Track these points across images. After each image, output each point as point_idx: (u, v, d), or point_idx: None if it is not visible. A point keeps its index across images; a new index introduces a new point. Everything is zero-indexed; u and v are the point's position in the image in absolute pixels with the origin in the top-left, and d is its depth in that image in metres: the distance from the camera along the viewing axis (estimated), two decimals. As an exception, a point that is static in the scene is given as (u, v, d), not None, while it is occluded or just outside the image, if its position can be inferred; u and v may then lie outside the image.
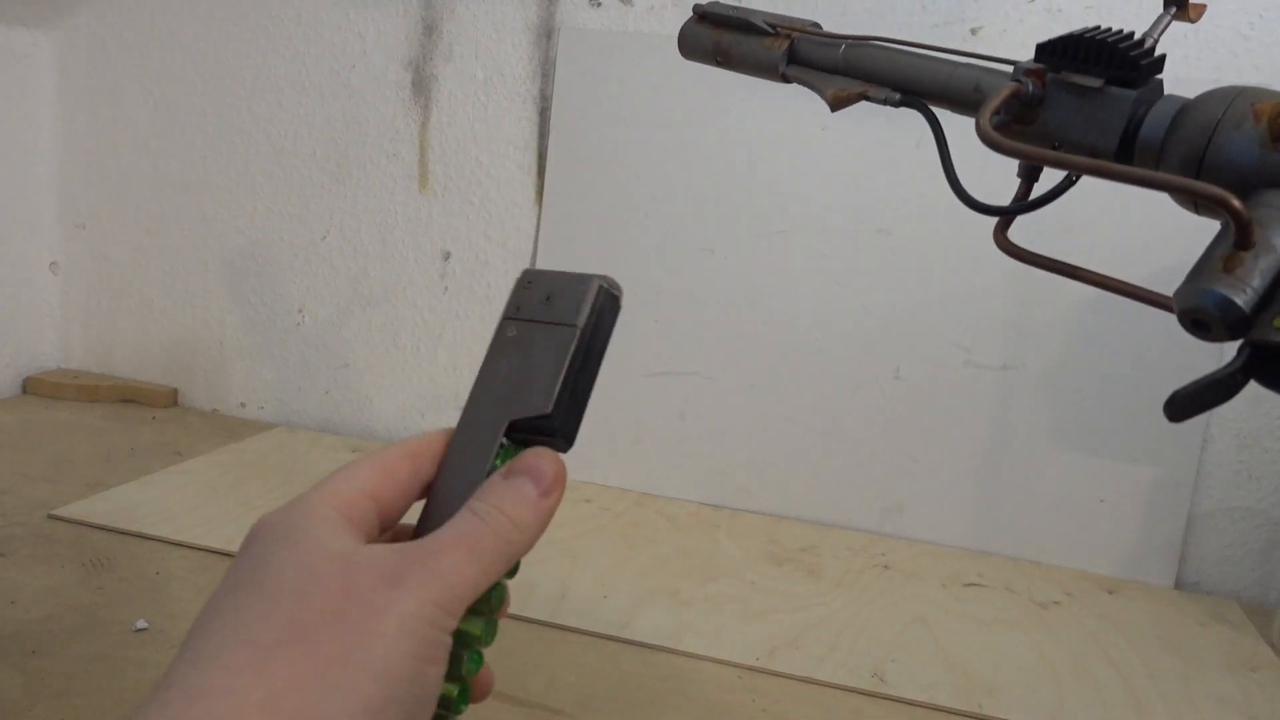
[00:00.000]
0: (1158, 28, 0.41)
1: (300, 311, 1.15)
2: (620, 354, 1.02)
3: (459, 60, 1.06)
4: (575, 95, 1.02)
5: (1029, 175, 0.42)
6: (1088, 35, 0.39)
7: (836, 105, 0.45)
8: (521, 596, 0.75)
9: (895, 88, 0.45)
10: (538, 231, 1.05)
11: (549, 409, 0.33)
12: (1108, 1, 0.89)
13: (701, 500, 1.01)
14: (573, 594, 0.77)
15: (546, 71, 1.04)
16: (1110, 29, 0.39)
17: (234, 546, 0.82)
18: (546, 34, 1.03)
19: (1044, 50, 0.40)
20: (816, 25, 0.49)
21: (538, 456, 0.32)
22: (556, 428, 0.34)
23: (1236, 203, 0.30)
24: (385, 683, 0.26)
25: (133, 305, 1.20)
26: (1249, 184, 0.34)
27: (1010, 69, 0.42)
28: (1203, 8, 0.42)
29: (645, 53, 1.00)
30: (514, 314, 0.36)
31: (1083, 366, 0.91)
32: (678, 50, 0.53)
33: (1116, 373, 0.91)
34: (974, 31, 0.92)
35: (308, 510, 0.30)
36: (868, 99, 0.45)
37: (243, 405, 1.18)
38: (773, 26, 0.49)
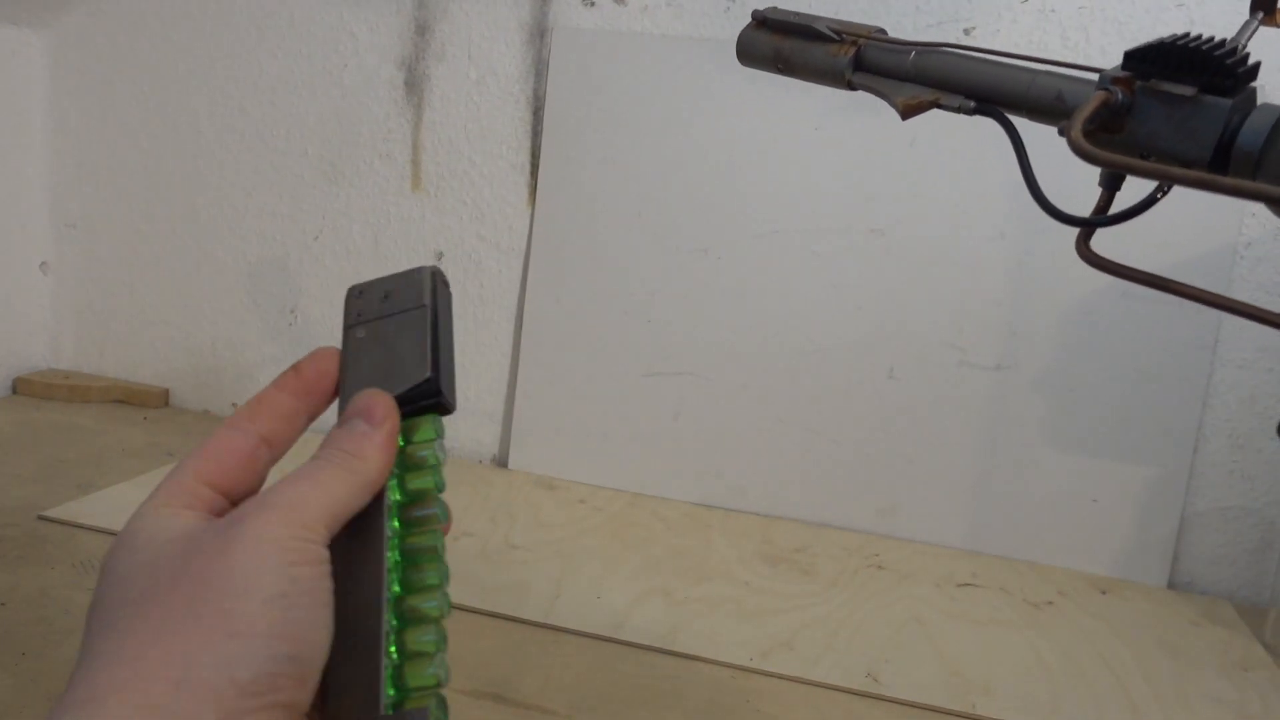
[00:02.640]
0: (1245, 33, 0.39)
1: (293, 312, 1.14)
2: (614, 354, 1.02)
3: (452, 60, 1.06)
4: (568, 95, 1.02)
5: (1111, 185, 0.41)
6: (1179, 43, 0.38)
7: (907, 114, 0.44)
8: (516, 598, 0.75)
9: (969, 95, 0.44)
10: (531, 231, 1.05)
11: (430, 373, 0.36)
12: (1101, 1, 0.89)
13: (695, 500, 1.00)
14: (567, 595, 0.77)
15: (540, 71, 1.03)
16: (1200, 36, 0.38)
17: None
18: (539, 33, 1.03)
19: (1132, 58, 0.39)
20: (882, 31, 0.48)
21: (365, 397, 0.34)
22: (441, 389, 0.36)
23: None
24: (252, 596, 0.27)
25: (124, 305, 1.20)
26: None
27: (1089, 75, 0.41)
28: None
29: (639, 52, 0.99)
30: (356, 321, 0.39)
31: (1076, 367, 0.92)
32: (736, 57, 0.52)
33: (1110, 373, 0.91)
34: (967, 31, 0.92)
35: (139, 518, 0.31)
36: (940, 107, 0.44)
37: (234, 405, 1.18)
38: (837, 33, 0.47)
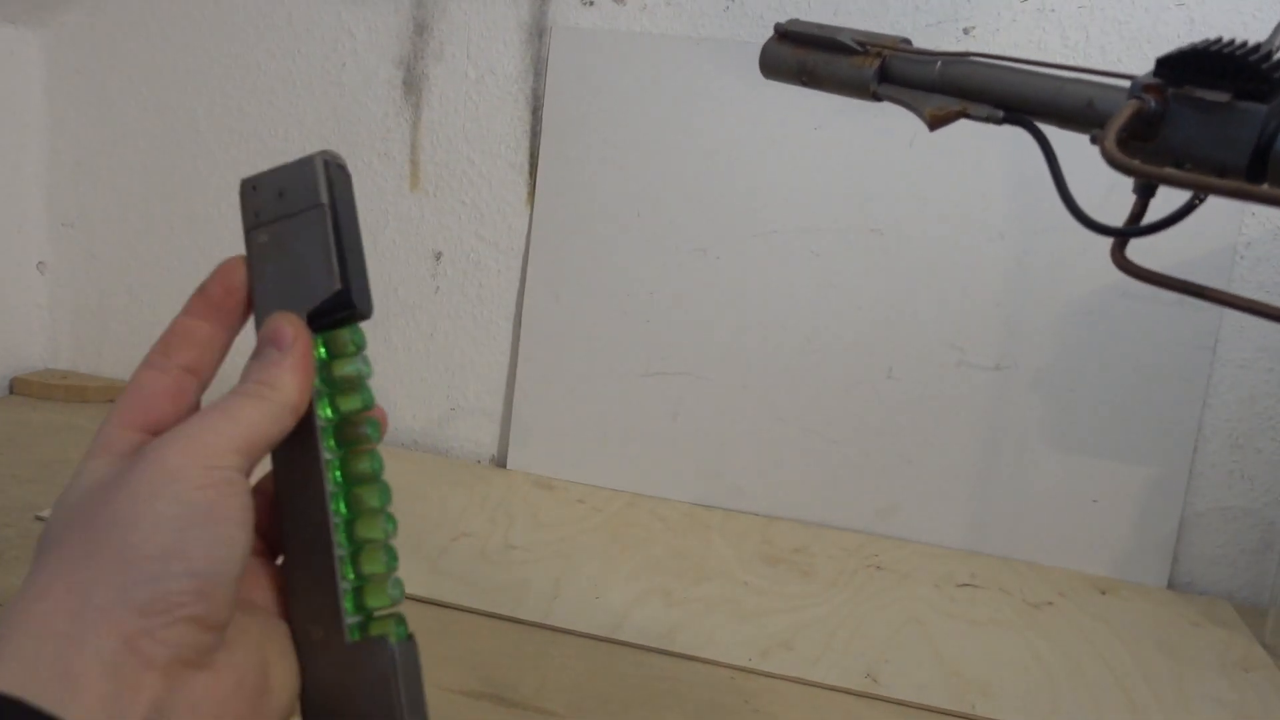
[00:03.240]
0: (1279, 37, 0.38)
1: (291, 311, 1.14)
2: (613, 354, 1.02)
3: (450, 59, 1.06)
4: (567, 94, 1.02)
5: (1144, 193, 0.41)
6: (1212, 48, 0.37)
7: (935, 125, 0.44)
8: (514, 598, 0.74)
9: (998, 105, 0.43)
10: (530, 231, 1.05)
11: (339, 285, 0.35)
12: (1100, 1, 0.89)
13: (694, 501, 1.00)
14: (565, 595, 0.76)
15: (538, 70, 1.03)
16: (1233, 40, 0.38)
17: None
18: (538, 33, 1.03)
19: (1164, 64, 0.38)
20: (907, 41, 0.47)
21: (273, 321, 0.35)
22: (353, 299, 0.35)
23: None
24: (143, 523, 0.29)
25: (121, 305, 1.20)
26: None
27: (1118, 82, 0.40)
28: None
29: (638, 52, 0.99)
30: (255, 222, 0.37)
31: (1076, 367, 0.91)
32: (760, 70, 0.52)
33: (1109, 373, 0.91)
34: (966, 31, 0.92)
35: (73, 477, 0.33)
36: (968, 117, 0.44)
37: (233, 406, 1.17)
38: (862, 44, 0.47)
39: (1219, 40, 0.37)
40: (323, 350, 0.35)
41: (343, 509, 0.34)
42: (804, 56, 0.49)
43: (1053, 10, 0.90)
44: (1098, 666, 0.73)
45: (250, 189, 0.38)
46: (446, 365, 1.10)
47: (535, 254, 1.04)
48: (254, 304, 0.36)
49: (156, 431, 0.33)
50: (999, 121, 0.43)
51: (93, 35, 1.15)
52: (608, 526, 0.92)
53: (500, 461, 1.09)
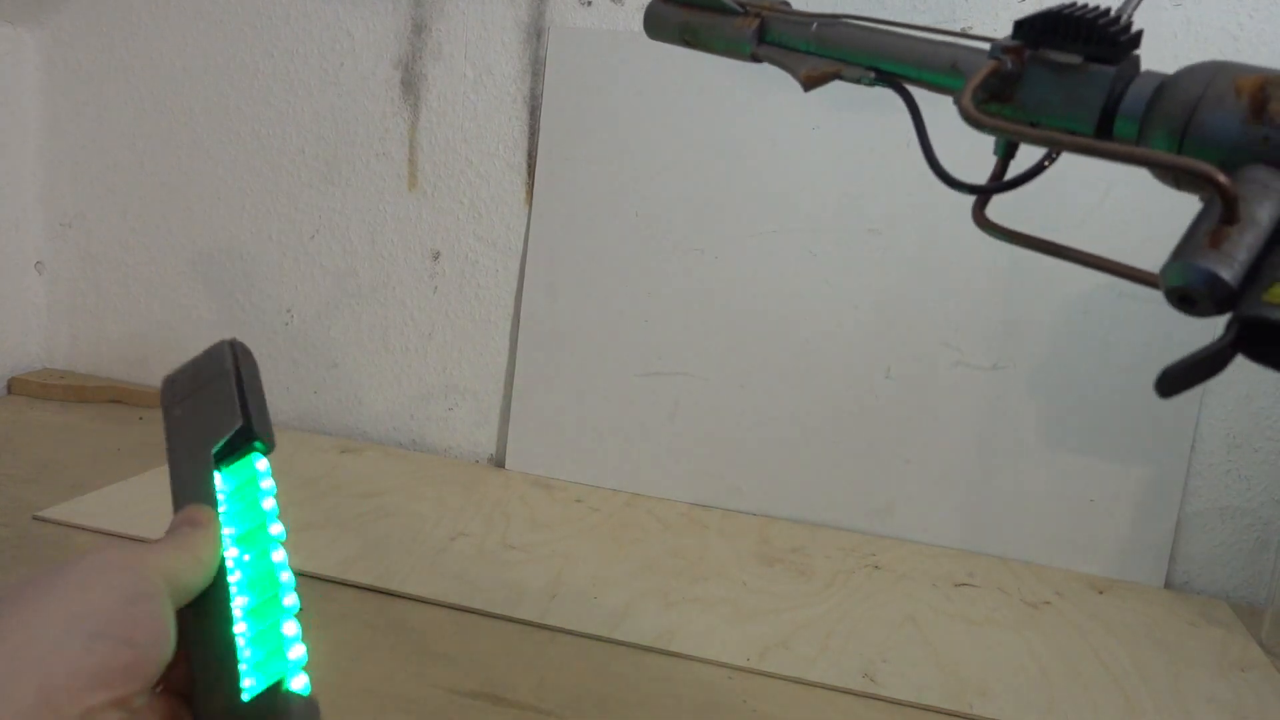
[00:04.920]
0: (1131, 4, 0.40)
1: (289, 311, 1.14)
2: (611, 354, 1.02)
3: (448, 59, 1.06)
4: (565, 94, 1.02)
5: (1006, 153, 0.42)
6: (1066, 12, 0.38)
7: (809, 84, 0.45)
8: (512, 598, 0.74)
9: (869, 66, 0.44)
10: (528, 231, 1.05)
11: (241, 421, 0.41)
12: (1098, 1, 0.89)
13: (692, 500, 1.00)
14: (563, 595, 0.76)
15: (536, 70, 1.03)
16: (1087, 5, 0.39)
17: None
18: (536, 33, 1.03)
19: (1022, 27, 0.40)
20: (786, 3, 0.48)
21: (189, 510, 0.38)
22: (255, 431, 0.42)
23: (1224, 178, 0.30)
24: (122, 593, 0.31)
25: (119, 304, 1.20)
26: (1231, 159, 0.33)
27: (986, 46, 0.41)
28: None
29: (636, 52, 0.99)
30: (171, 404, 0.43)
31: (1073, 366, 0.92)
32: (645, 30, 0.52)
33: (1106, 373, 0.91)
34: (964, 31, 0.92)
35: None
36: (841, 78, 0.44)
37: (230, 405, 1.17)
38: (741, 5, 0.48)
39: (1073, 4, 0.39)
40: (234, 477, 0.41)
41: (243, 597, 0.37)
42: (687, 17, 0.49)
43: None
44: (1095, 666, 0.73)
45: (169, 383, 0.44)
46: (444, 365, 1.10)
47: (533, 254, 1.04)
48: (170, 462, 0.41)
49: None
50: (870, 83, 0.44)
51: (89, 35, 1.15)
52: (605, 526, 0.92)
53: (498, 461, 1.09)
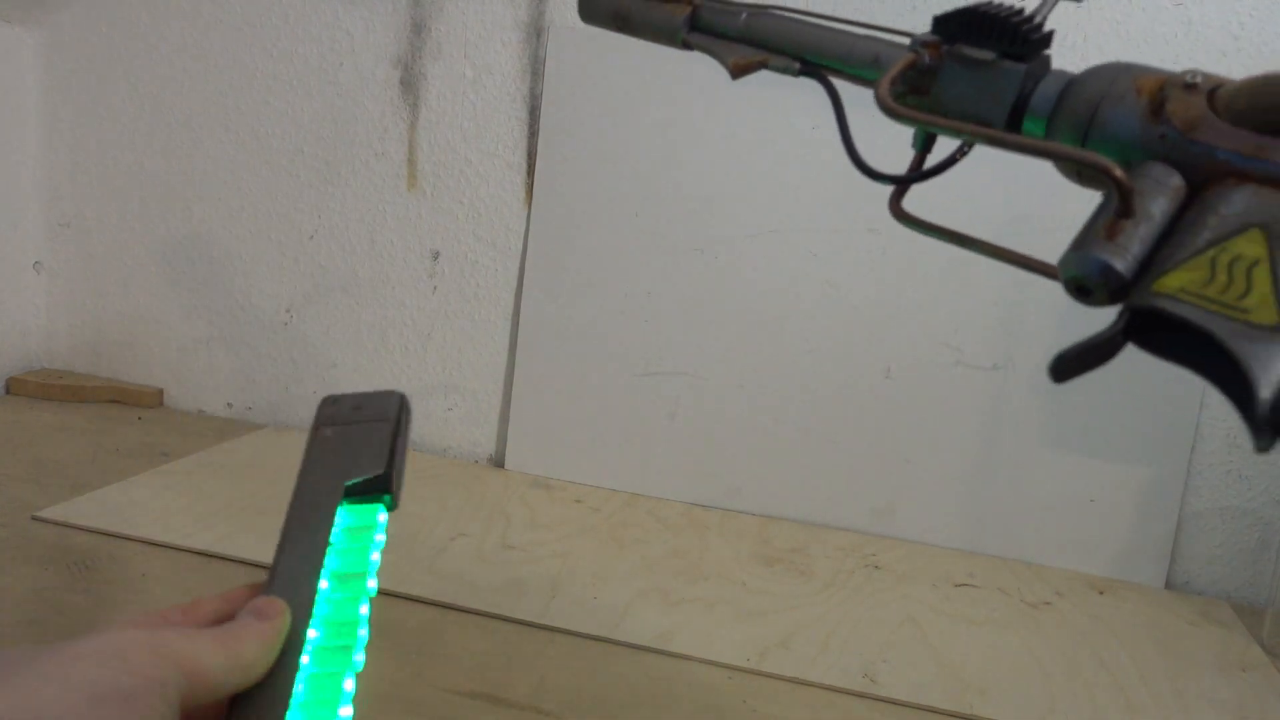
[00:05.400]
0: (1046, 5, 0.41)
1: (288, 311, 1.14)
2: (610, 354, 1.02)
3: (448, 58, 1.06)
4: (565, 94, 1.02)
5: (924, 146, 0.44)
6: (982, 10, 0.40)
7: (737, 73, 0.46)
8: (511, 598, 0.74)
9: (796, 58, 0.45)
10: (527, 231, 1.05)
11: (383, 467, 0.40)
12: (1098, 2, 0.89)
13: (692, 501, 1.00)
14: (562, 594, 0.76)
15: (536, 70, 1.03)
16: (1003, 5, 0.40)
17: (220, 548, 0.82)
18: (536, 32, 1.03)
19: (940, 23, 0.41)
20: None
21: (260, 600, 0.37)
22: (390, 486, 0.41)
23: (1120, 172, 0.32)
24: (90, 688, 0.29)
25: (118, 304, 1.20)
26: (1130, 155, 0.35)
27: (905, 40, 0.42)
28: None
29: (636, 51, 0.99)
30: (327, 424, 0.43)
31: (1073, 366, 0.91)
32: (579, 15, 0.53)
33: (1107, 373, 0.91)
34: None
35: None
36: (768, 68, 0.45)
37: (230, 405, 1.17)
38: None
39: (989, 3, 0.40)
40: (351, 517, 0.41)
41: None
42: (620, 2, 0.50)
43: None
44: (1095, 666, 0.73)
45: (330, 402, 0.44)
46: (444, 365, 1.10)
47: (533, 254, 1.04)
48: (300, 475, 0.42)
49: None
50: (795, 73, 0.45)
51: (89, 35, 1.15)
52: (605, 526, 0.92)
53: (498, 461, 1.09)
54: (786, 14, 0.46)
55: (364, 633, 0.37)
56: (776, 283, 0.97)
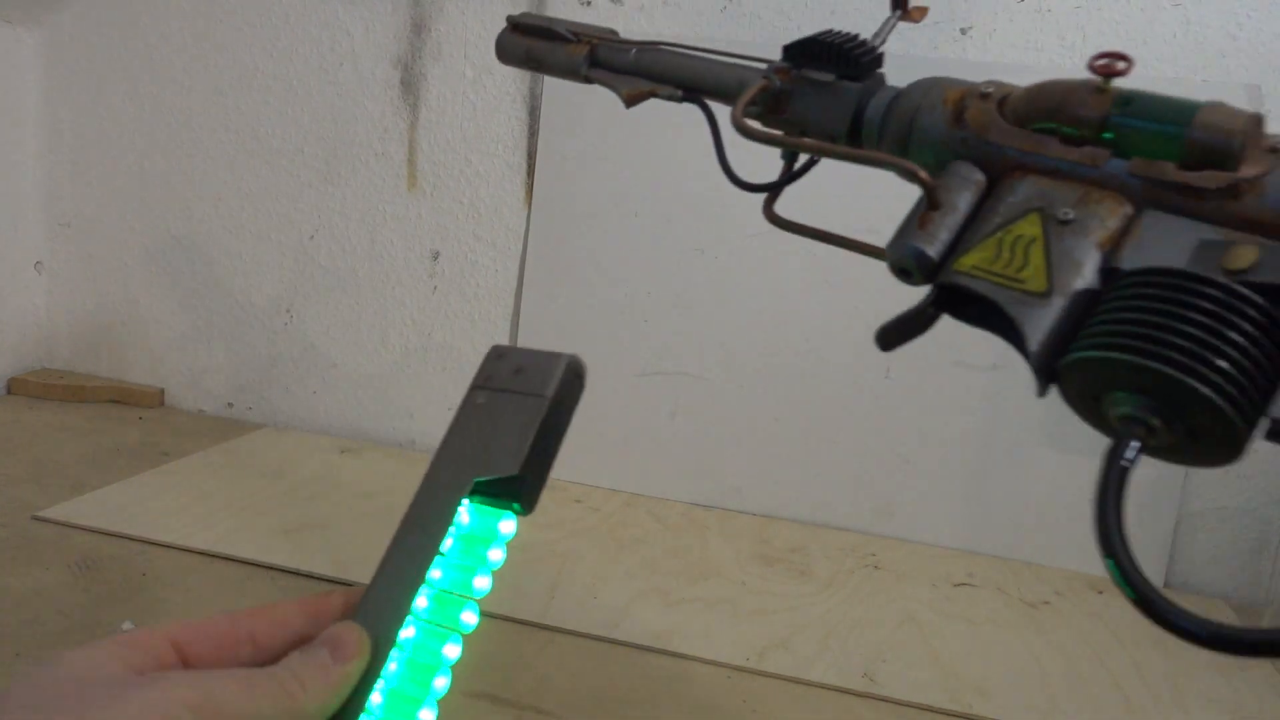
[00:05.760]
0: (884, 29, 0.46)
1: (288, 311, 1.14)
2: (610, 354, 1.02)
3: (448, 59, 1.06)
4: (565, 94, 1.02)
5: (788, 159, 0.50)
6: (821, 39, 0.45)
7: (629, 102, 0.52)
8: (511, 598, 0.74)
9: (678, 86, 0.51)
10: (527, 231, 1.05)
11: (516, 470, 0.35)
12: (1097, 1, 0.89)
13: (691, 500, 1.00)
14: (562, 594, 0.76)
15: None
16: (843, 33, 0.45)
17: (221, 547, 0.82)
18: (536, 33, 1.03)
19: (788, 51, 0.46)
20: (613, 32, 0.55)
21: (340, 629, 0.33)
22: (521, 490, 0.36)
23: (924, 173, 0.37)
24: None
25: (118, 305, 1.20)
26: (942, 156, 0.40)
27: (764, 67, 0.48)
28: (925, 10, 0.47)
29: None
30: (483, 383, 0.38)
31: (1072, 366, 0.91)
32: (496, 57, 0.59)
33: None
34: (964, 31, 0.92)
35: (80, 647, 0.30)
36: (656, 96, 0.51)
37: (230, 405, 1.17)
38: (575, 34, 0.54)
39: (829, 32, 0.45)
40: (467, 515, 0.36)
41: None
42: (530, 45, 0.57)
43: (1049, 10, 0.90)
44: (1094, 666, 0.73)
45: (496, 356, 0.38)
46: (444, 365, 1.10)
47: (533, 254, 1.04)
48: (435, 458, 0.37)
49: (186, 654, 0.32)
50: (679, 100, 0.51)
51: (89, 36, 1.15)
52: (605, 526, 0.92)
53: (498, 461, 1.09)
54: (669, 49, 0.52)
55: (442, 683, 0.34)
56: (776, 283, 0.97)
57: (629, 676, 0.66)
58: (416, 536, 0.36)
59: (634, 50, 0.52)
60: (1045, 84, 0.38)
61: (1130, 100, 0.36)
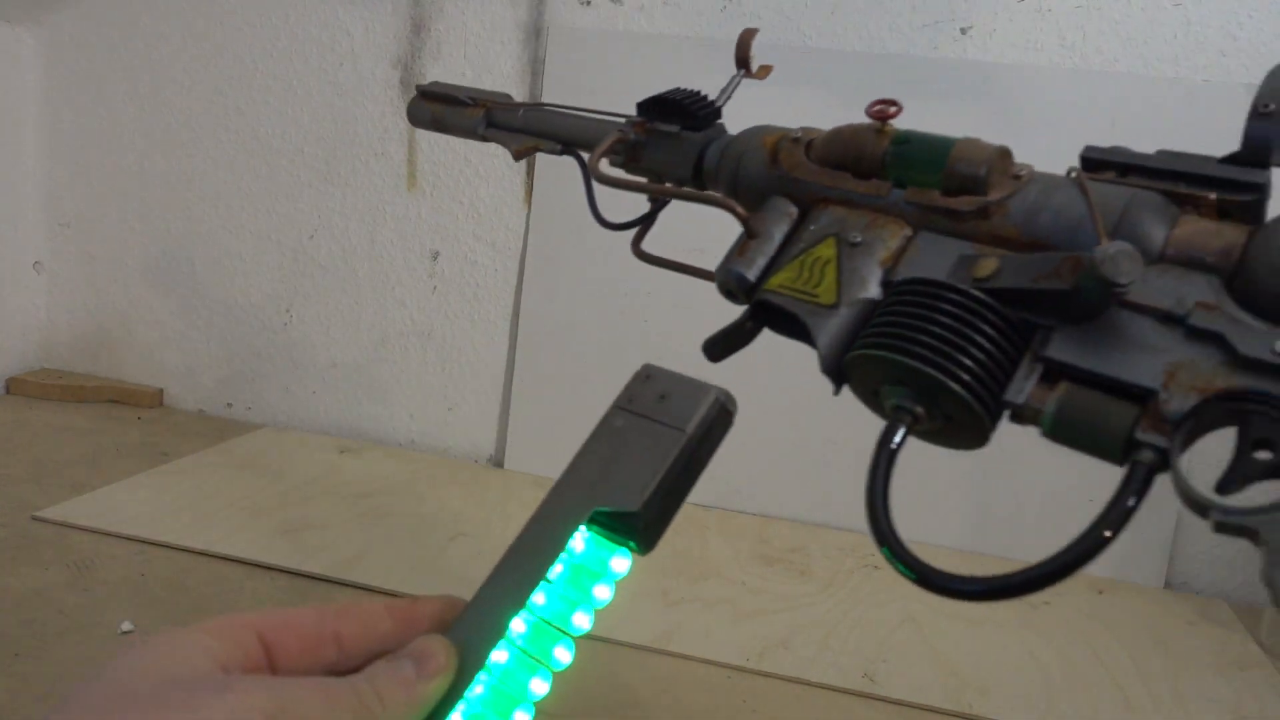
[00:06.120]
0: (730, 86, 0.53)
1: (288, 311, 1.14)
2: (610, 354, 1.02)
3: (448, 59, 1.06)
4: (565, 94, 1.01)
5: (654, 204, 0.56)
6: (668, 95, 0.52)
7: (517, 157, 0.58)
8: (511, 597, 0.74)
9: (558, 141, 0.57)
10: (527, 231, 1.05)
11: (637, 507, 0.34)
12: (1097, 1, 0.89)
13: (691, 500, 1.00)
14: (562, 595, 0.76)
15: (536, 71, 1.03)
16: (688, 91, 0.52)
17: (220, 548, 0.82)
18: (536, 33, 1.03)
19: (642, 107, 0.53)
20: (507, 96, 0.61)
21: (429, 642, 0.32)
22: (640, 528, 0.35)
23: (738, 208, 0.44)
24: None
25: (118, 305, 1.20)
26: (764, 193, 0.46)
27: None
28: (769, 68, 0.54)
29: (635, 51, 0.99)
30: (626, 404, 0.37)
31: (1072, 366, 0.91)
32: (408, 120, 0.65)
33: (1106, 372, 0.91)
34: (964, 31, 0.92)
35: (169, 631, 0.30)
36: (540, 150, 0.57)
37: (229, 405, 1.17)
38: (473, 99, 0.60)
39: (676, 90, 0.52)
40: (582, 543, 0.35)
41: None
42: (437, 110, 0.62)
43: (1050, 10, 0.90)
44: (1094, 666, 0.73)
45: (644, 376, 0.38)
46: (444, 365, 1.10)
47: (532, 253, 1.04)
48: (563, 475, 0.36)
49: (268, 647, 0.31)
50: (559, 153, 0.57)
51: (89, 35, 1.15)
52: (605, 526, 0.92)
53: (498, 461, 1.09)
54: (550, 108, 0.58)
55: (524, 718, 0.32)
56: (776, 283, 0.97)
57: (629, 677, 0.66)
58: (527, 557, 0.34)
59: (522, 111, 0.59)
60: (840, 128, 0.44)
61: (906, 139, 0.41)
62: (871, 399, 0.40)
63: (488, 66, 1.04)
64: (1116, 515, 0.35)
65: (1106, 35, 0.90)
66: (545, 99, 1.03)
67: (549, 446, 1.04)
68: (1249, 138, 0.36)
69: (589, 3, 1.01)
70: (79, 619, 0.67)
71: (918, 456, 0.97)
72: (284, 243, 1.13)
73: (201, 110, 1.13)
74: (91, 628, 0.66)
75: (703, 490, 1.07)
